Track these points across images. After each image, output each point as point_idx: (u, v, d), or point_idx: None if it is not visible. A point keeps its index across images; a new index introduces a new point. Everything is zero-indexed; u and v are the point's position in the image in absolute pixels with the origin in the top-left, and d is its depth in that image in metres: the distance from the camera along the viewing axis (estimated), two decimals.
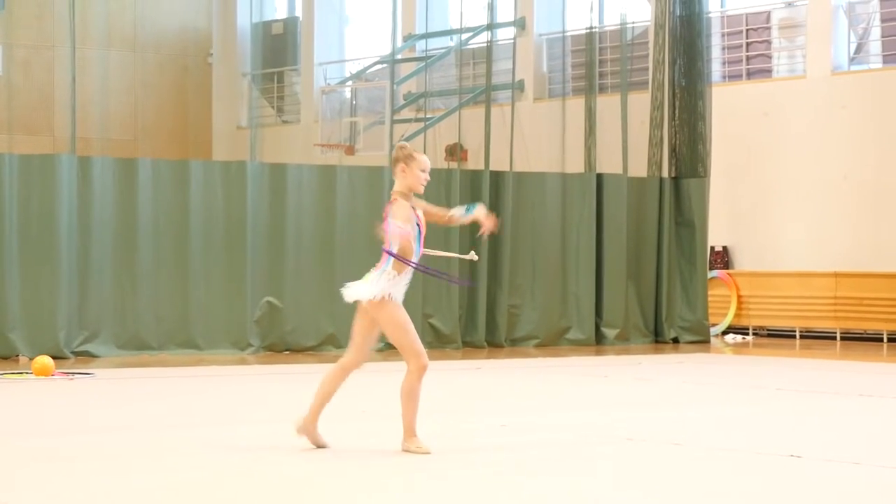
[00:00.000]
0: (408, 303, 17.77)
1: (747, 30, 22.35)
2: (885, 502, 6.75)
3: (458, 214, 8.46)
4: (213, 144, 29.54)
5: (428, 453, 8.04)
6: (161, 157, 19.50)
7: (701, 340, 19.55)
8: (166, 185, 16.62)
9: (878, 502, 6.75)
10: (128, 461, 7.87)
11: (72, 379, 13.13)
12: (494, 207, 18.57)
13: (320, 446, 8.25)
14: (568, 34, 23.45)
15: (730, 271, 21.58)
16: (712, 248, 21.30)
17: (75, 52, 17.13)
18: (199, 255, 16.71)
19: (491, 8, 21.91)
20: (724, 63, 22.59)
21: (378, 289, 8.16)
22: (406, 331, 8.18)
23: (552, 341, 18.61)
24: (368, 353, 8.39)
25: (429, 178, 8.34)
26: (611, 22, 22.89)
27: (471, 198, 18.21)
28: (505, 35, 24.61)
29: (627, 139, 19.97)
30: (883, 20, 21.05)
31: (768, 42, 22.30)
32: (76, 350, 15.96)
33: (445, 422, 9.72)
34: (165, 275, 16.56)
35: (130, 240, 16.38)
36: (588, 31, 21.04)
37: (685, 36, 19.87)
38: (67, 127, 16.72)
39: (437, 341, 17.95)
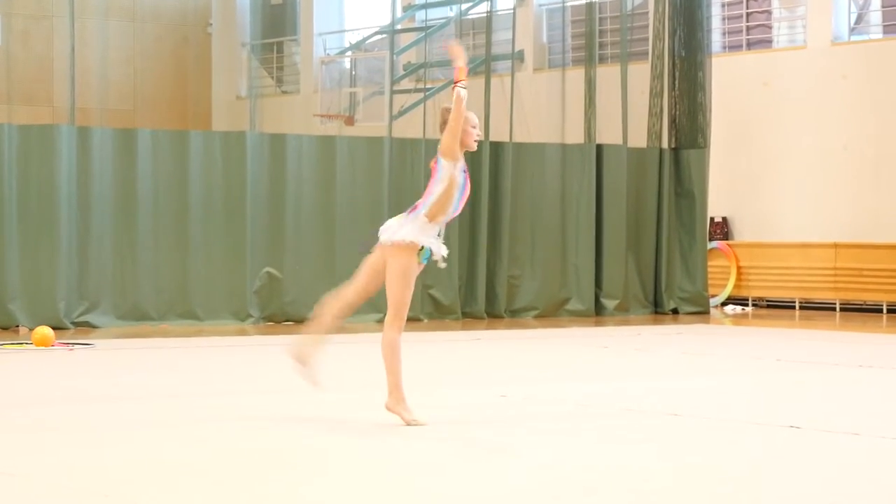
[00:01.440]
0: None
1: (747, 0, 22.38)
2: (885, 473, 6.76)
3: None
4: (212, 115, 29.51)
5: (416, 424, 7.93)
6: (160, 127, 19.45)
7: (700, 311, 19.63)
8: (166, 155, 16.62)
9: (878, 473, 6.75)
10: (123, 432, 7.88)
11: (71, 349, 13.18)
12: (494, 178, 18.66)
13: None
14: (568, 4, 23.30)
15: (729, 242, 21.63)
16: (712, 218, 21.34)
17: (74, 22, 17.04)
18: (199, 225, 16.73)
19: None
20: (724, 33, 22.55)
21: (402, 233, 7.99)
22: (407, 285, 8.02)
23: (552, 312, 18.66)
24: (367, 296, 8.20)
25: (481, 134, 8.25)
26: None
27: (470, 168, 18.16)
28: (505, 5, 24.52)
29: (627, 110, 19.97)
30: None
31: (769, 12, 22.29)
32: (76, 321, 16.00)
33: (445, 393, 9.76)
34: (165, 245, 16.58)
35: (130, 210, 16.39)
36: (588, 0, 20.91)
37: (685, 6, 19.88)
38: (66, 97, 16.69)
39: (436, 312, 18.00)
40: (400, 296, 8.02)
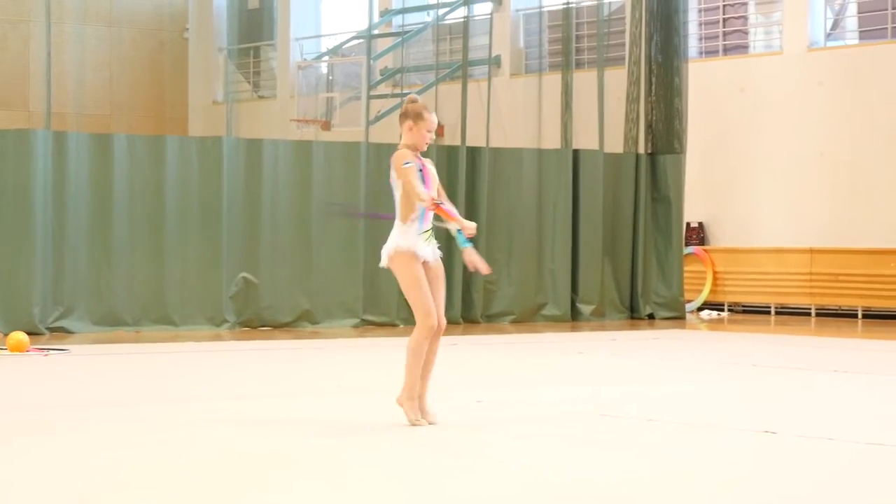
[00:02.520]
0: (383, 278, 17.68)
1: (724, 5, 22.49)
2: (859, 477, 6.77)
3: (450, 212, 8.28)
4: (188, 119, 29.60)
5: (418, 425, 8.08)
6: (137, 132, 19.58)
7: (676, 316, 19.69)
8: (142, 160, 16.61)
9: (852, 477, 6.77)
10: (99, 437, 7.87)
11: (46, 355, 13.12)
12: (471, 183, 18.67)
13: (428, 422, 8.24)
14: (545, 10, 23.63)
15: (705, 247, 21.74)
16: (688, 223, 21.43)
17: (51, 26, 17.08)
18: (175, 230, 16.72)
19: None
20: (700, 39, 22.70)
21: (388, 246, 8.17)
22: (415, 287, 8.15)
23: (528, 317, 18.71)
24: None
25: (434, 137, 8.34)
26: None
27: (447, 173, 18.25)
28: (482, 10, 24.62)
29: (604, 115, 20.04)
30: None
31: (745, 17, 22.43)
32: (51, 326, 15.97)
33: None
34: (141, 250, 16.58)
35: (106, 215, 16.38)
36: (565, 6, 21.04)
37: (662, 11, 19.95)
38: (43, 102, 16.73)
39: (412, 317, 17.75)
40: (412, 296, 8.20)
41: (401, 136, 8.33)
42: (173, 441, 7.71)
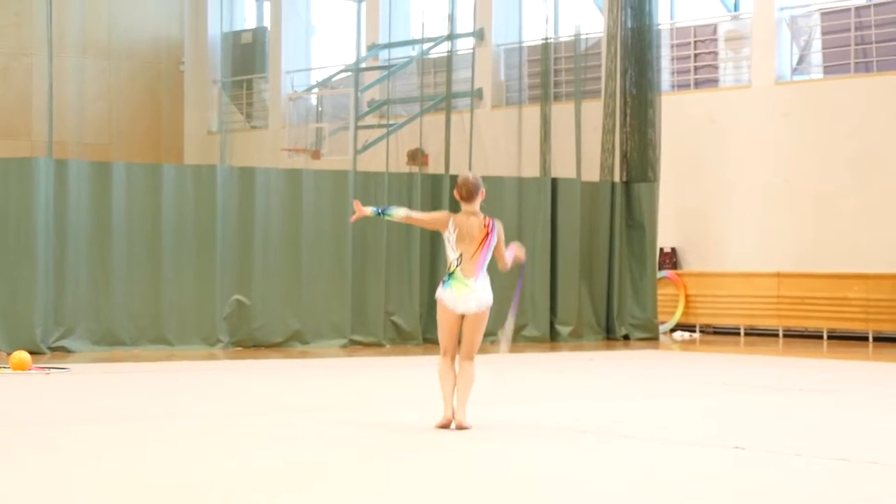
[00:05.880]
0: (370, 300, 17.87)
1: (695, 41, 22.74)
2: (825, 492, 6.76)
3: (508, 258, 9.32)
4: (184, 149, 29.50)
5: (463, 428, 8.92)
6: (135, 160, 19.38)
7: (650, 337, 19.84)
8: (139, 187, 16.74)
9: (819, 492, 6.75)
10: (95, 452, 7.86)
11: (48, 373, 13.15)
12: (454, 210, 18.16)
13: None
14: (524, 45, 23.49)
15: (678, 271, 21.88)
16: (661, 249, 21.60)
17: (53, 59, 17.14)
18: (171, 254, 16.83)
19: (451, 19, 22.07)
20: (672, 73, 22.90)
21: (487, 298, 9.10)
22: (439, 328, 9.11)
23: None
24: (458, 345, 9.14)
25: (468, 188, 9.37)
26: (565, 33, 23.12)
27: (431, 200, 18.53)
28: (464, 45, 24.80)
29: (581, 145, 20.20)
30: (824, 33, 21.43)
31: (715, 53, 22.67)
32: (52, 346, 16.08)
33: (403, 416, 9.89)
34: (138, 274, 16.67)
35: (105, 240, 16.50)
36: (544, 41, 21.22)
37: (636, 47, 20.19)
38: (45, 131, 16.78)
39: (398, 338, 18.18)
40: (439, 337, 9.17)
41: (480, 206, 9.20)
42: (176, 455, 7.74)
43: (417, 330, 18.40)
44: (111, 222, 16.60)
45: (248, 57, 29.23)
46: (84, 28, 26.69)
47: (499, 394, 11.39)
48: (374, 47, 26.36)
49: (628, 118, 20.21)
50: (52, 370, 13.45)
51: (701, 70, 22.80)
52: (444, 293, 9.01)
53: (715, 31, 22.72)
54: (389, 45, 25.60)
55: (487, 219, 9.14)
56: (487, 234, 9.09)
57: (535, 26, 23.29)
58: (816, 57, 21.71)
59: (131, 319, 16.63)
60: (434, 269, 18.58)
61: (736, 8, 22.98)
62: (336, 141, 24.18)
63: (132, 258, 16.71)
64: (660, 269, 21.30)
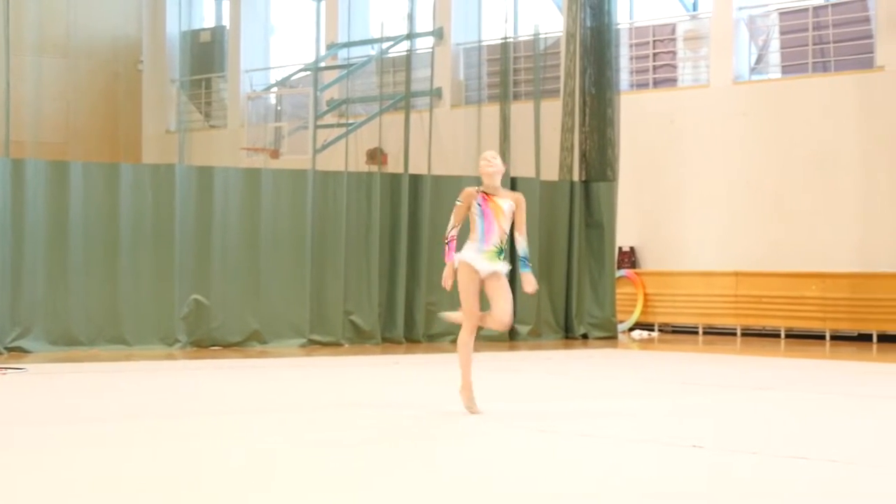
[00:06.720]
0: (329, 299, 17.94)
1: (654, 41, 22.86)
2: (781, 490, 6.79)
3: (520, 250, 9.89)
4: (142, 148, 29.46)
5: (473, 412, 9.57)
6: (92, 160, 19.28)
7: (609, 336, 19.89)
8: (97, 186, 16.68)
9: (774, 490, 6.78)
10: (52, 454, 7.83)
11: (4, 374, 13.07)
12: (413, 209, 18.76)
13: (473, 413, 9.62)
14: (484, 44, 23.68)
15: (637, 270, 21.99)
16: (620, 248, 21.68)
17: (9, 58, 17.06)
18: (129, 254, 16.80)
19: (410, 18, 22.22)
20: (631, 72, 23.01)
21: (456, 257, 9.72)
22: (462, 291, 9.69)
23: None
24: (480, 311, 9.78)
25: (491, 166, 9.83)
26: (525, 32, 23.10)
27: (391, 199, 18.57)
28: (423, 44, 24.89)
29: (540, 144, 20.24)
30: (782, 32, 21.56)
31: (674, 52, 22.77)
32: (9, 346, 16.00)
33: (363, 413, 9.89)
34: (96, 273, 16.62)
35: (62, 239, 16.44)
36: (503, 41, 21.19)
37: (595, 46, 20.24)
38: (1, 131, 16.68)
39: (357, 337, 18.16)
40: (462, 302, 9.78)
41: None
42: (127, 456, 7.70)
43: (376, 329, 18.39)
44: (68, 222, 16.54)
45: (206, 56, 29.19)
46: (41, 27, 26.60)
47: (455, 394, 11.29)
48: (333, 46, 26.38)
49: (587, 117, 20.26)
50: (9, 370, 13.39)
51: (660, 69, 22.93)
52: None
53: (674, 31, 22.85)
54: (349, 45, 25.57)
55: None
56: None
57: (495, 25, 23.37)
58: (774, 56, 21.82)
59: (89, 319, 16.59)
60: (393, 268, 18.59)
61: (694, 8, 23.12)
62: (295, 140, 24.12)
63: (90, 257, 16.65)
64: (618, 268, 21.39)
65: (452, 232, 9.77)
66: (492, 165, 9.81)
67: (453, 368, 12.89)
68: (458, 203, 9.79)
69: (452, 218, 9.78)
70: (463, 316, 9.78)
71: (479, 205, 9.71)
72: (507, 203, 9.74)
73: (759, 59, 21.91)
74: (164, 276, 17.03)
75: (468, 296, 9.69)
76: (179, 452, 7.90)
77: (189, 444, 8.30)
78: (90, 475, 7.03)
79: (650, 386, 12.72)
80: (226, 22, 29.43)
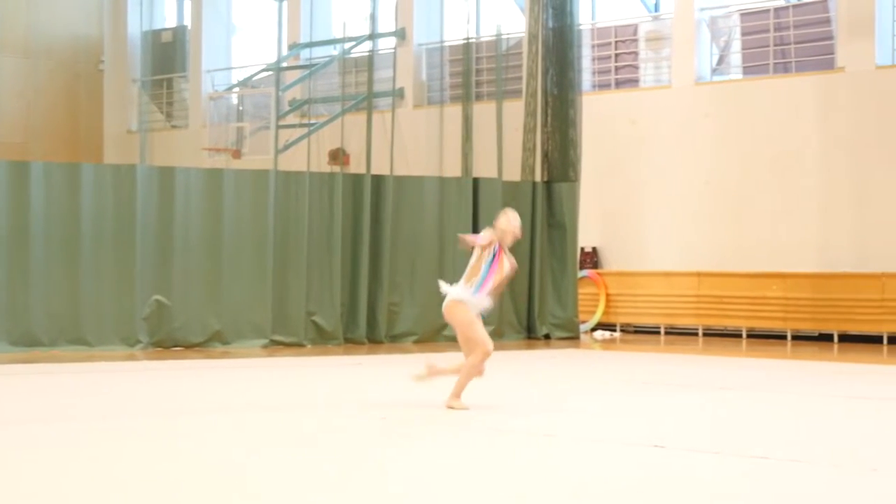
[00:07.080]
0: (291, 300, 17.90)
1: (616, 41, 22.94)
2: (744, 489, 6.83)
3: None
4: (104, 148, 29.36)
5: (466, 409, 9.95)
6: (53, 159, 19.35)
7: (571, 336, 19.97)
8: (58, 186, 16.65)
9: (737, 489, 6.83)
10: (14, 455, 7.79)
11: None
12: (375, 210, 18.76)
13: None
14: (446, 44, 23.76)
15: (599, 271, 22.06)
16: (582, 248, 21.77)
17: None
18: (90, 254, 16.76)
19: (373, 19, 22.25)
20: (593, 73, 23.08)
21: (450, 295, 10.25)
22: (470, 327, 10.08)
23: (430, 338, 18.78)
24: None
25: (517, 230, 10.34)
26: (487, 33, 23.24)
27: (353, 199, 18.57)
28: (386, 45, 24.87)
29: (502, 145, 20.32)
30: (743, 34, 21.70)
31: (636, 53, 22.88)
32: None
33: (326, 415, 9.91)
34: (57, 273, 16.58)
35: (22, 239, 16.40)
36: (465, 41, 21.37)
37: (557, 47, 20.30)
38: None
39: (319, 337, 18.16)
40: (474, 334, 10.13)
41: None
42: (103, 457, 7.69)
43: (338, 330, 18.38)
44: (28, 221, 16.50)
45: (168, 56, 29.16)
46: (1, 26, 26.47)
47: (417, 394, 11.32)
48: (295, 46, 26.38)
49: (549, 118, 20.33)
50: None
51: (621, 70, 23.00)
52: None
53: (635, 32, 22.94)
54: (311, 45, 25.66)
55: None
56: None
57: (457, 26, 23.47)
58: (736, 58, 21.97)
59: (50, 320, 16.55)
60: (355, 269, 18.60)
61: (656, 9, 23.22)
62: (257, 140, 24.11)
63: (50, 258, 16.61)
64: (581, 268, 21.47)
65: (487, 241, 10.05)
66: (517, 230, 10.20)
67: (417, 370, 12.84)
68: (492, 232, 10.10)
69: (490, 235, 10.03)
70: (478, 348, 10.06)
71: (494, 253, 10.04)
72: (507, 265, 10.09)
73: (720, 60, 22.05)
74: (125, 277, 16.99)
75: (476, 328, 10.01)
76: (146, 453, 7.89)
77: (154, 444, 8.29)
78: (50, 478, 7.01)
79: (612, 386, 12.76)
80: (187, 22, 29.38)
